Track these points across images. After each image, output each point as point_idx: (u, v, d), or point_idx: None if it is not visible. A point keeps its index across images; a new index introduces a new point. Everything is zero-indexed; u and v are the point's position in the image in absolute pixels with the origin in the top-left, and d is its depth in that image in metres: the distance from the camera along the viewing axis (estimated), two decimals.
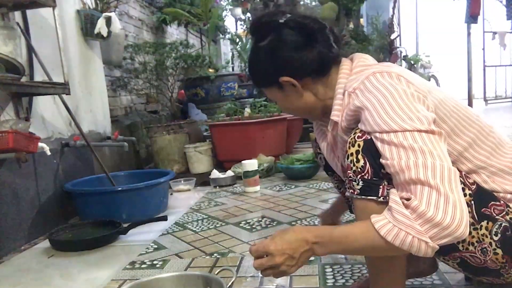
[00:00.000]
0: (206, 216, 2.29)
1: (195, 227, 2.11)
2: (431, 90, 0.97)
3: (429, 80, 10.28)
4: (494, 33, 9.03)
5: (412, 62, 10.02)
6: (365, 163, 0.92)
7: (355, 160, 0.93)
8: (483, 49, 9.56)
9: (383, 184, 0.91)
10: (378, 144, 0.89)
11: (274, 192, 2.76)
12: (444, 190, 0.81)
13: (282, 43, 1.05)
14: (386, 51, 8.48)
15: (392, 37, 8.82)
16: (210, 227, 2.09)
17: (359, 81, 0.99)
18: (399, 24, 9.62)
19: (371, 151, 0.91)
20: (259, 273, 1.46)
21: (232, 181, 3.09)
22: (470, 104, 6.95)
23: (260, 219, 2.15)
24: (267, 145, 3.46)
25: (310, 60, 1.04)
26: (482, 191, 0.96)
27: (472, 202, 0.94)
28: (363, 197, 0.93)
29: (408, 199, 0.84)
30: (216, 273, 1.26)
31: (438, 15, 13.00)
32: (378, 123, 0.89)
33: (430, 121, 0.88)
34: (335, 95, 1.05)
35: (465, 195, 0.92)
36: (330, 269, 1.46)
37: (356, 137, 0.94)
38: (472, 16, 7.01)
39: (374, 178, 0.91)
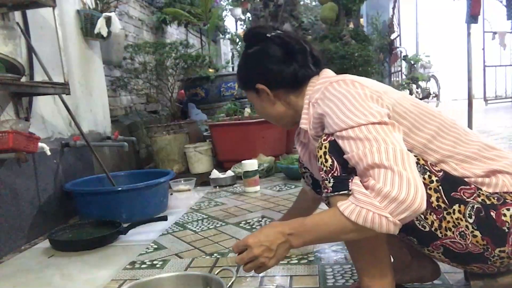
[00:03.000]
0: (206, 216, 2.29)
1: (195, 227, 2.11)
2: (386, 91, 1.06)
3: (429, 80, 10.28)
4: (494, 33, 9.02)
5: (412, 62, 10.02)
6: (332, 161, 0.99)
7: (324, 160, 1.01)
8: (483, 49, 9.54)
9: (352, 178, 0.97)
10: (340, 142, 0.97)
11: (274, 192, 2.76)
12: (398, 168, 0.88)
13: (264, 55, 1.18)
14: (386, 51, 8.49)
15: (392, 37, 8.83)
16: (210, 227, 2.10)
17: (319, 92, 1.08)
18: (399, 24, 9.61)
19: (336, 150, 0.98)
20: (253, 272, 1.47)
21: (232, 181, 3.09)
22: (470, 104, 6.92)
23: (260, 219, 2.15)
24: (267, 145, 3.46)
25: (285, 75, 1.16)
26: (450, 177, 1.01)
27: (440, 187, 0.99)
28: (336, 193, 0.98)
29: None
30: (216, 273, 1.26)
31: (438, 15, 13.00)
32: (337, 123, 0.98)
33: (382, 115, 0.96)
34: (304, 106, 1.15)
35: (432, 181, 0.99)
36: (330, 269, 1.46)
37: (322, 141, 1.03)
38: (473, 16, 6.99)
39: (343, 174, 0.98)
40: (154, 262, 1.68)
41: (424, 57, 10.54)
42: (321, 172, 1.02)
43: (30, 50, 2.19)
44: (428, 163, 1.02)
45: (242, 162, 2.88)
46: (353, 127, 0.95)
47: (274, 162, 3.33)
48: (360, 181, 0.93)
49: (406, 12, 11.24)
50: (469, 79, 7.48)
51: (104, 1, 2.93)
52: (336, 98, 1.01)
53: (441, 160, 1.04)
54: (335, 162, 0.98)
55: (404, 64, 10.11)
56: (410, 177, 0.87)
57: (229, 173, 3.13)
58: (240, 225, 2.09)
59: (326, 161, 1.00)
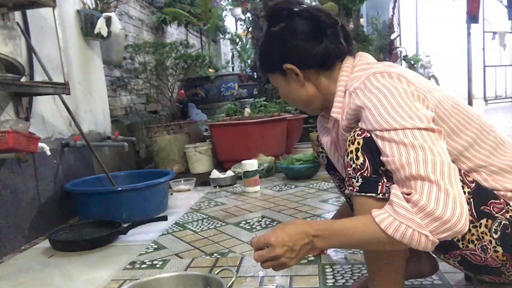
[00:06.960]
0: (206, 216, 2.29)
1: (195, 227, 2.11)
2: (431, 90, 0.99)
3: (429, 80, 10.29)
4: (494, 33, 9.03)
5: (412, 62, 10.02)
6: (364, 160, 0.93)
7: (354, 157, 0.95)
8: (483, 49, 9.55)
9: (382, 181, 0.92)
10: (379, 142, 0.91)
11: (274, 192, 2.76)
12: (444, 185, 0.83)
13: (292, 31, 1.08)
14: (386, 51, 8.47)
15: (392, 37, 8.82)
16: (210, 227, 2.09)
17: (359, 81, 1.00)
18: (399, 24, 9.63)
19: (370, 149, 0.93)
20: (259, 272, 1.46)
21: (232, 181, 3.09)
22: (470, 104, 6.94)
23: (260, 219, 2.15)
24: (267, 145, 3.46)
25: (315, 53, 1.07)
26: (482, 189, 0.97)
27: (471, 200, 0.95)
28: (362, 194, 0.94)
29: (409, 194, 0.85)
30: (216, 273, 1.26)
31: (438, 15, 13.01)
32: (379, 122, 0.91)
33: (429, 119, 0.90)
34: (336, 92, 1.06)
35: (464, 193, 0.93)
36: (330, 269, 1.46)
37: (355, 135, 0.95)
38: (471, 15, 6.98)
39: (373, 175, 0.93)
40: (154, 262, 1.67)
41: (424, 57, 10.56)
42: (348, 169, 0.96)
43: (30, 50, 2.19)
44: (462, 172, 0.97)
45: (242, 162, 2.88)
46: (396, 130, 0.88)
47: (274, 162, 3.33)
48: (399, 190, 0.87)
49: (406, 12, 11.25)
50: (469, 79, 7.48)
51: (104, 1, 2.93)
52: (379, 92, 0.93)
53: (473, 169, 1.00)
54: (367, 162, 0.93)
55: (404, 64, 10.10)
56: (456, 196, 0.82)
57: (229, 173, 3.13)
58: (240, 225, 2.09)
59: (357, 158, 0.94)
